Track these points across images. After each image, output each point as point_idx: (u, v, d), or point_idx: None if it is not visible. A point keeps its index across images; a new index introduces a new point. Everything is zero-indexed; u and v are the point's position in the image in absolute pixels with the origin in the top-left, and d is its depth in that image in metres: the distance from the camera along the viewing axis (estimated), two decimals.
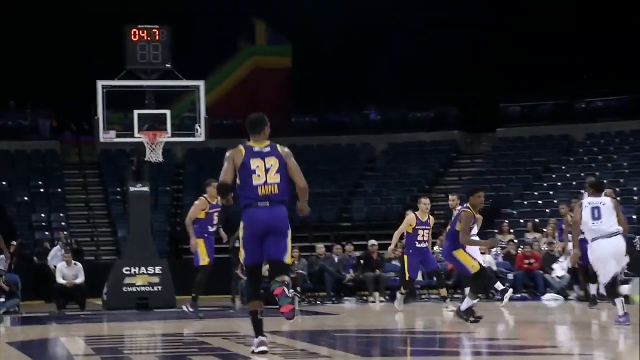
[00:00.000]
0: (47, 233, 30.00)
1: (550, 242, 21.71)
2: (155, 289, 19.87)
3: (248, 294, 9.49)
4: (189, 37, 29.76)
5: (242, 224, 9.04)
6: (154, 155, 19.92)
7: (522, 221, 27.72)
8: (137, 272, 19.91)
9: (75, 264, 21.03)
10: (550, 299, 19.95)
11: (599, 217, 12.30)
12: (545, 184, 31.59)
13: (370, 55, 36.90)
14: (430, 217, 16.76)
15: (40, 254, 25.79)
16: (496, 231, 24.24)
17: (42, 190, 32.96)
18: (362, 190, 33.56)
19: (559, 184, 31.25)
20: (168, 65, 20.59)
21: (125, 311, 18.83)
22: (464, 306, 13.25)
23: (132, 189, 20.62)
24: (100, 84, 20.11)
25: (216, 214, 15.87)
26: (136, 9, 32.33)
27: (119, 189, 32.29)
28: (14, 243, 24.21)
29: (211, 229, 15.83)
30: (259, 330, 9.21)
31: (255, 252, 9.00)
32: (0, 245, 16.65)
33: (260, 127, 9.18)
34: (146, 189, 20.52)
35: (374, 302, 20.75)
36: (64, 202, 32.66)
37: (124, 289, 19.86)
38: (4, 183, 32.69)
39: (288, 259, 9.09)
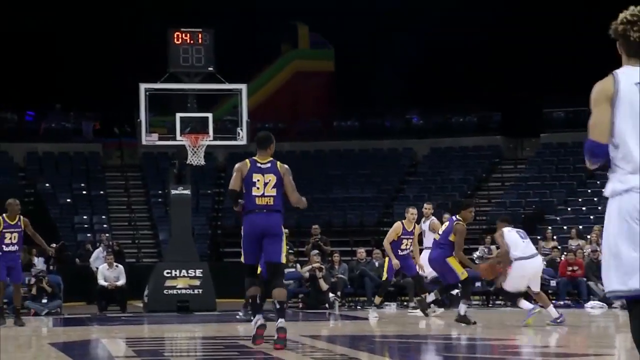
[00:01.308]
0: (89, 235, 30.23)
1: (594, 249, 21.49)
2: (196, 291, 19.94)
3: (246, 284, 10.74)
4: (231, 40, 29.87)
5: (242, 227, 10.62)
6: (196, 158, 19.99)
7: (565, 227, 27.49)
8: (178, 275, 19.99)
9: (116, 266, 21.17)
10: (593, 307, 19.76)
11: None
12: (589, 190, 31.30)
13: (412, 59, 36.82)
14: (416, 226, 17.03)
15: (82, 256, 25.96)
16: (539, 237, 24.05)
17: (84, 192, 33.24)
18: (403, 195, 33.47)
19: (603, 190, 30.91)
20: (210, 69, 20.66)
21: (165, 313, 18.92)
22: (462, 311, 14.01)
23: (173, 191, 20.72)
24: (143, 86, 20.21)
25: None
26: (179, 12, 32.54)
27: (160, 192, 32.46)
28: (54, 245, 24.40)
29: None
30: (257, 310, 10.64)
31: (253, 252, 10.51)
32: (37, 241, 16.80)
33: (267, 144, 10.58)
34: (187, 191, 20.61)
35: (414, 307, 20.65)
36: (105, 204, 32.90)
37: (165, 292, 19.95)
38: (47, 185, 33.00)
39: (283, 259, 10.89)
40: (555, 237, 23.96)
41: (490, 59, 35.48)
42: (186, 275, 19.89)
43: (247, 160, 10.58)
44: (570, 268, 21.13)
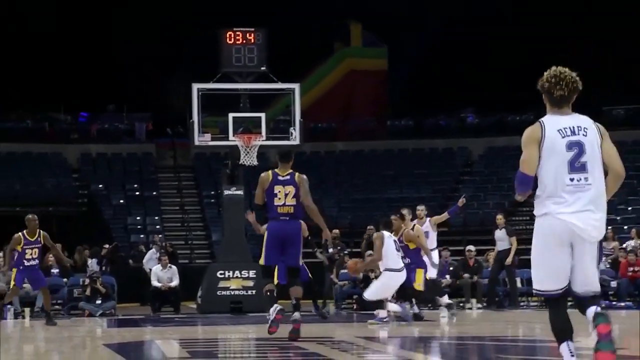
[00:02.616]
0: (142, 236, 30.47)
1: None
2: (249, 292, 19.99)
3: (262, 283, 12.24)
4: (283, 39, 29.93)
5: (265, 233, 11.86)
6: (248, 159, 20.05)
7: (625, 227, 27.16)
8: (231, 276, 20.07)
9: (170, 267, 21.29)
10: None
11: None
12: None
13: (467, 57, 36.64)
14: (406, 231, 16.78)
15: (135, 257, 26.17)
16: None
17: (137, 193, 33.50)
18: (458, 195, 33.20)
19: None
20: (263, 68, 20.72)
21: (219, 315, 19.00)
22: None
23: (226, 192, 20.80)
24: (195, 87, 20.33)
25: None
26: (231, 12, 32.68)
27: (213, 192, 32.62)
28: (107, 246, 24.65)
29: None
30: (274, 301, 11.72)
31: (273, 255, 11.75)
32: (54, 252, 17.51)
33: (287, 158, 11.92)
34: (240, 192, 20.68)
35: (470, 308, 20.56)
36: (158, 205, 33.11)
37: (218, 293, 20.03)
38: (100, 186, 33.30)
39: (300, 262, 11.97)
40: (616, 237, 23.67)
41: (547, 56, 35.17)
42: (239, 276, 19.95)
43: (269, 172, 11.81)
44: (630, 269, 20.87)
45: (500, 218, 20.29)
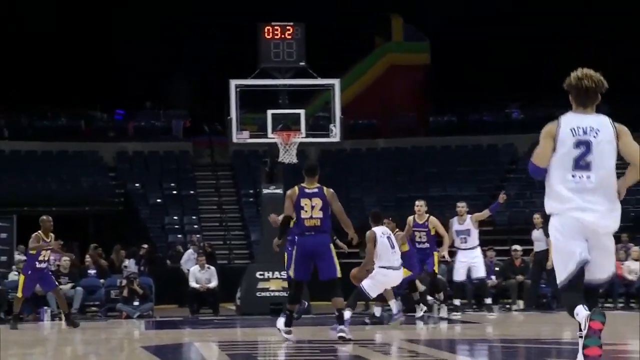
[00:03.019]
0: (179, 236, 30.59)
1: None
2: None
3: (291, 298, 12.77)
4: (323, 34, 29.92)
5: (295, 248, 12.42)
6: (288, 156, 20.05)
7: None
8: (271, 277, 20.05)
9: (208, 268, 21.34)
10: None
11: None
12: None
13: (512, 50, 36.41)
14: (431, 217, 17.52)
15: (173, 257, 26.26)
16: None
17: (174, 192, 33.60)
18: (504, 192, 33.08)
19: None
20: (302, 63, 20.69)
21: (259, 316, 19.01)
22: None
23: (265, 190, 20.81)
24: (233, 83, 20.34)
25: None
26: (269, 6, 32.72)
27: (251, 191, 32.68)
28: (145, 246, 24.77)
29: None
30: (290, 324, 12.38)
31: (303, 270, 12.26)
32: (56, 248, 17.54)
33: (314, 172, 12.35)
34: (279, 190, 20.65)
35: (517, 310, 20.44)
36: (196, 204, 33.21)
37: (258, 294, 20.02)
38: (137, 185, 33.44)
39: (338, 274, 12.17)
40: None
41: (597, 49, 34.87)
42: (279, 277, 19.90)
43: (296, 187, 12.30)
44: None
45: (537, 217, 20.13)
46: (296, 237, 12.44)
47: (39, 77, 35.77)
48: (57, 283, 17.60)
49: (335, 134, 20.43)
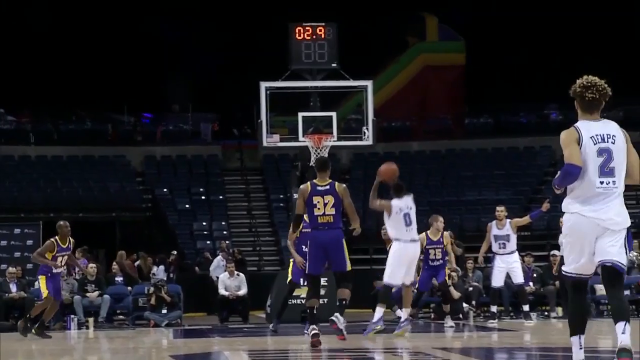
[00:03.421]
0: (208, 242, 30.62)
1: None
2: (321, 301, 19.91)
3: (308, 294, 12.90)
4: (355, 34, 29.95)
5: (308, 242, 12.77)
6: None
7: None
8: (302, 284, 20.04)
9: (237, 275, 21.35)
10: None
11: None
12: None
13: (549, 49, 36.28)
14: (445, 233, 17.26)
15: (202, 264, 26.29)
16: None
17: (203, 197, 33.63)
18: (541, 197, 32.91)
19: None
20: (334, 65, 20.71)
21: (289, 324, 19.01)
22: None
23: (295, 195, 20.80)
24: (263, 85, 20.38)
25: None
26: (300, 6, 32.78)
27: (282, 196, 32.68)
28: (174, 252, 24.84)
29: None
30: (314, 321, 12.45)
31: (317, 264, 12.52)
32: (71, 262, 17.54)
33: (325, 167, 12.57)
34: None
35: (555, 317, 20.34)
36: (225, 209, 33.21)
37: (288, 301, 20.02)
38: (165, 190, 33.48)
39: (348, 267, 12.52)
40: None
41: (631, 49, 34.69)
42: None
43: (308, 183, 12.59)
44: None
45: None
46: (310, 232, 12.70)
47: (63, 81, 36.02)
48: (62, 296, 17.59)
49: (367, 137, 20.43)
